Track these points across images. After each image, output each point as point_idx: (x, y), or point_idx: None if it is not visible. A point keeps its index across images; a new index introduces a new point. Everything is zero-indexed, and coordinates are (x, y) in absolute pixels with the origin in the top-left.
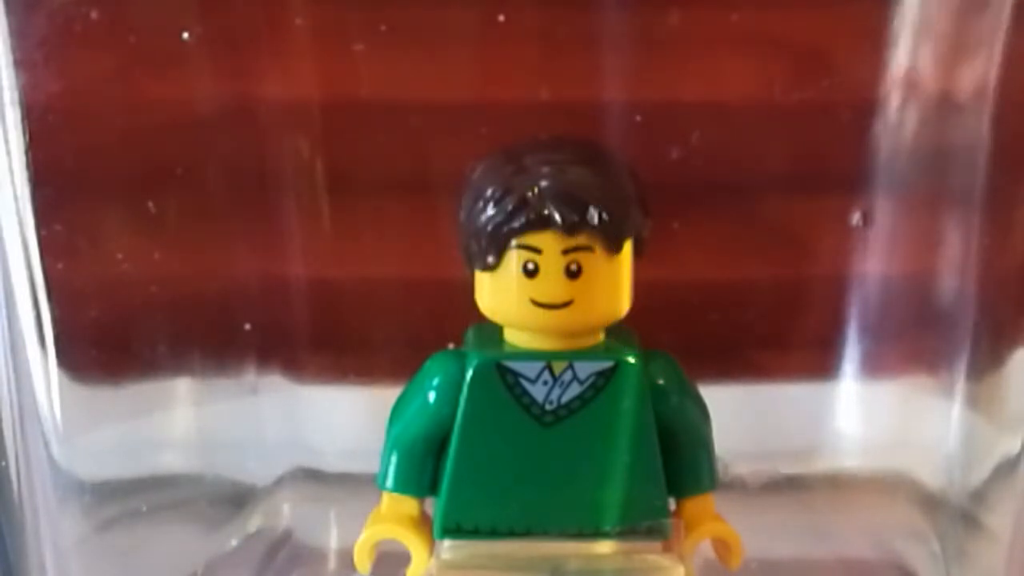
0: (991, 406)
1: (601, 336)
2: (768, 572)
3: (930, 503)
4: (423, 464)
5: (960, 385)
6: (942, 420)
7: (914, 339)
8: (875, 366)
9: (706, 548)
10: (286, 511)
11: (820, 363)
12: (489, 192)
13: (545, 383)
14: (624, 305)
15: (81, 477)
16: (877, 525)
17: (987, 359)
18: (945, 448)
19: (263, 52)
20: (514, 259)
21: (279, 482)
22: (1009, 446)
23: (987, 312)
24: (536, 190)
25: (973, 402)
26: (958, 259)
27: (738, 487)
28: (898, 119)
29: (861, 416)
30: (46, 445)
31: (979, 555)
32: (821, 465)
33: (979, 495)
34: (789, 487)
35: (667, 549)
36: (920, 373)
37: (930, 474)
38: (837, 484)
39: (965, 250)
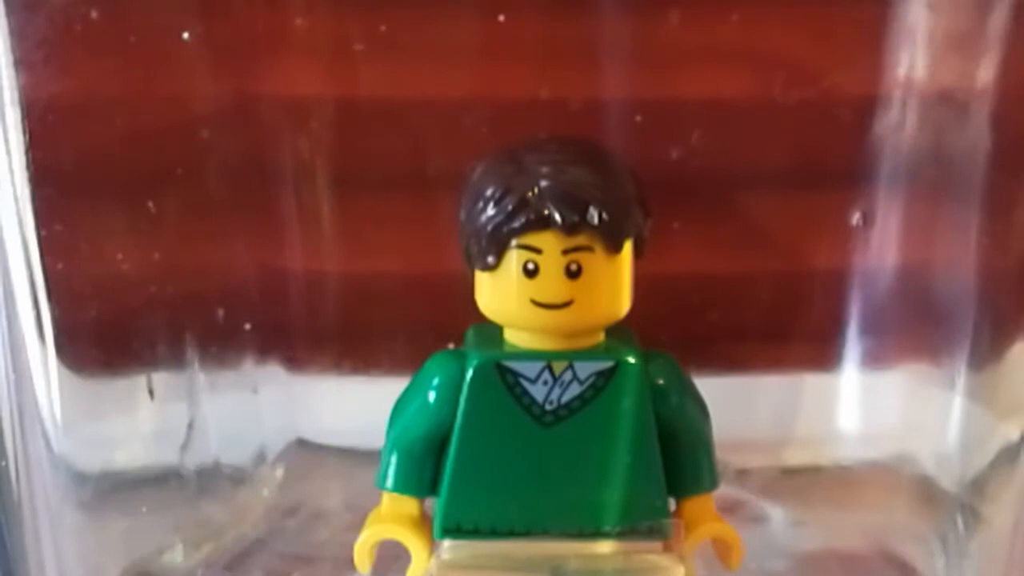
0: (992, 397)
1: (601, 336)
2: (768, 557)
3: (932, 493)
4: (423, 464)
5: (961, 376)
6: (944, 411)
7: (916, 332)
8: (877, 359)
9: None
10: (286, 506)
11: (823, 357)
12: (489, 192)
13: (545, 383)
14: (624, 305)
15: (81, 474)
16: (878, 514)
17: (988, 351)
18: (947, 438)
19: (263, 52)
20: (514, 259)
21: (279, 475)
22: (1010, 436)
23: (988, 305)
24: (536, 190)
25: (974, 393)
26: (959, 253)
27: (740, 480)
28: (898, 117)
29: (864, 408)
30: (46, 444)
31: (980, 544)
32: (823, 456)
33: (980, 485)
34: (790, 479)
35: (667, 549)
36: (922, 365)
37: (932, 464)
38: (839, 474)
39: (966, 245)
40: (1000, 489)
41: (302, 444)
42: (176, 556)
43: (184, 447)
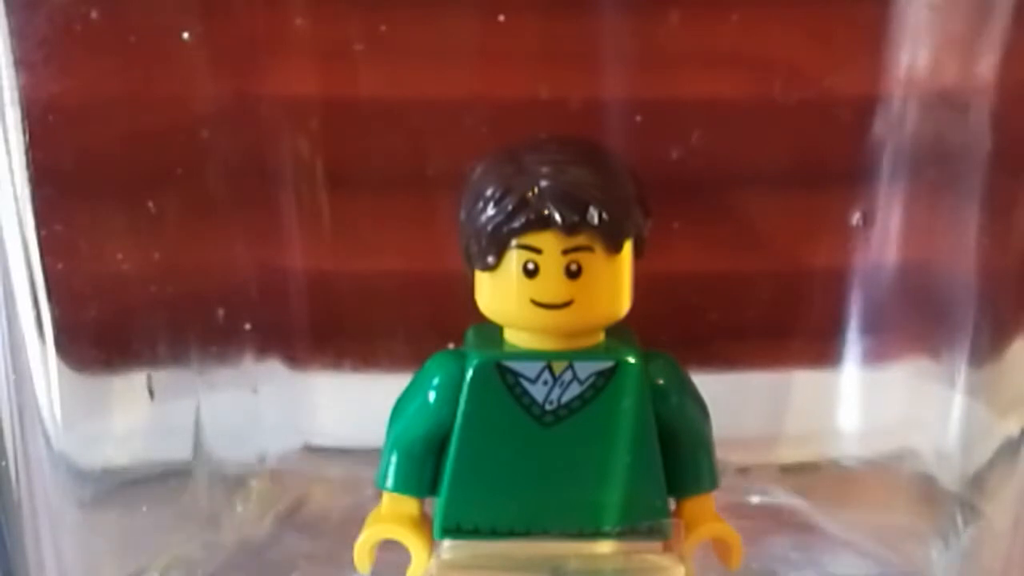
0: (993, 394)
1: (601, 336)
2: (770, 554)
3: (932, 490)
4: (423, 464)
5: (962, 373)
6: (944, 408)
7: (916, 329)
8: (878, 356)
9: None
10: (286, 504)
11: (823, 355)
12: (489, 192)
13: (545, 383)
14: (624, 305)
15: (81, 473)
16: (878, 511)
17: (988, 348)
18: (947, 436)
19: (263, 52)
20: (514, 259)
21: (279, 474)
22: (1010, 433)
23: (988, 302)
24: (536, 190)
25: (974, 390)
26: (959, 253)
27: (741, 476)
28: (898, 117)
29: (864, 405)
30: (46, 443)
31: (980, 541)
32: (823, 454)
33: (980, 482)
34: (790, 476)
35: (667, 549)
36: (922, 362)
37: (932, 461)
38: (839, 472)
39: (965, 244)
40: (1000, 486)
41: (302, 443)
42: (175, 555)
43: (184, 446)
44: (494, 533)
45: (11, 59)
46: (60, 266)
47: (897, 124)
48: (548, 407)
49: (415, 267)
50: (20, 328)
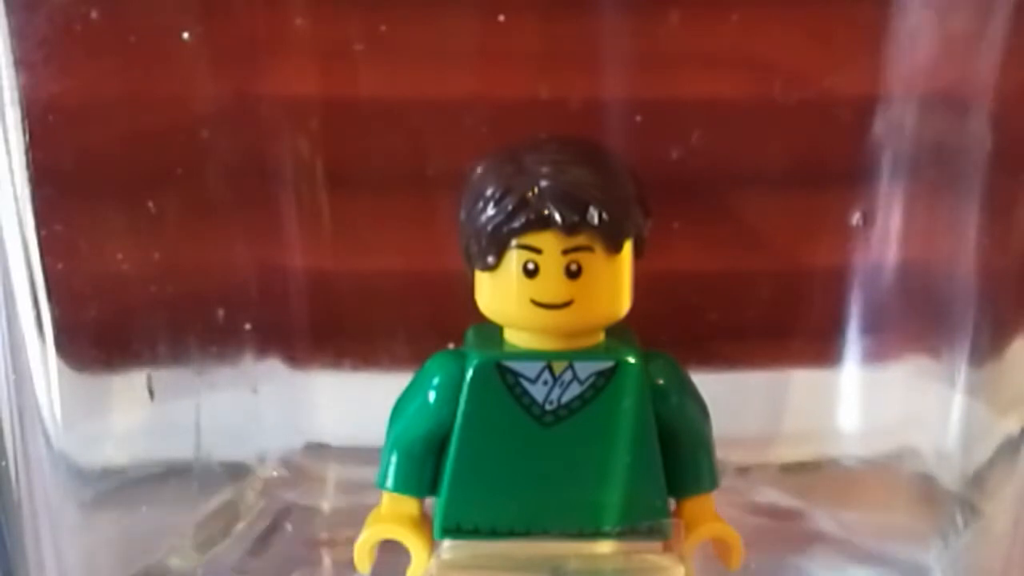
0: (992, 393)
1: (601, 336)
2: (770, 554)
3: (932, 489)
4: (423, 464)
5: (962, 373)
6: (944, 407)
7: (916, 329)
8: (878, 355)
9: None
10: (286, 504)
11: (823, 354)
12: (489, 192)
13: (545, 383)
14: (624, 305)
15: (81, 472)
16: (878, 511)
17: (988, 347)
18: (947, 435)
19: (263, 52)
20: (514, 259)
21: (279, 474)
22: (1010, 432)
23: (988, 302)
24: (536, 190)
25: (974, 389)
26: (959, 252)
27: (741, 476)
28: (898, 117)
29: (864, 404)
30: (46, 442)
31: (980, 540)
32: (823, 453)
33: (980, 481)
34: (790, 476)
35: (667, 549)
36: (922, 361)
37: (932, 460)
38: (839, 471)
39: (965, 244)
40: (1000, 485)
41: (302, 443)
42: (176, 555)
43: (184, 446)
44: (494, 533)
45: (11, 59)
46: (60, 266)
47: (897, 124)
48: (548, 407)
49: (415, 267)
50: (20, 328)
